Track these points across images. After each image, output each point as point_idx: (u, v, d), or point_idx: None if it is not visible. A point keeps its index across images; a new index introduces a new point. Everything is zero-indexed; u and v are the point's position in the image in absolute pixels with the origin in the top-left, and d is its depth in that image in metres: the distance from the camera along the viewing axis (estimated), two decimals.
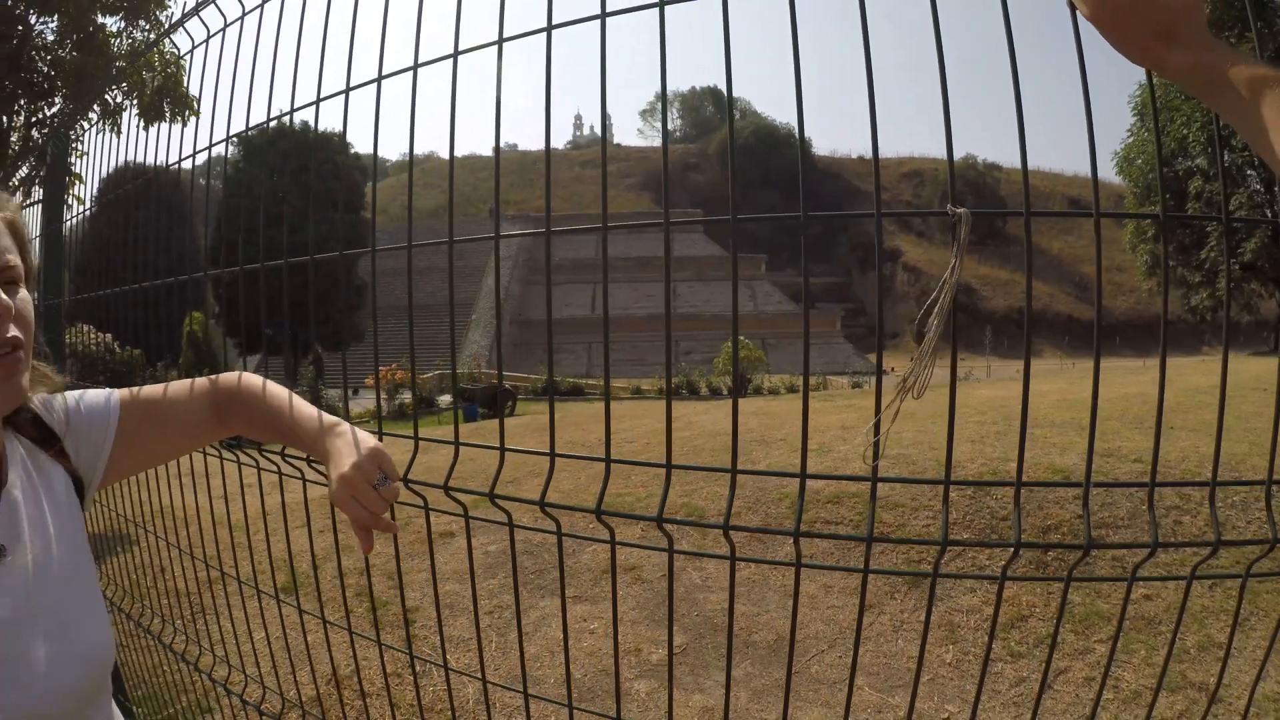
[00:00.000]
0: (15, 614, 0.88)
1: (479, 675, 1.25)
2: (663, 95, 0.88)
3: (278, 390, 1.14)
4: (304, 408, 1.09)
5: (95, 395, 1.11)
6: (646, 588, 4.50)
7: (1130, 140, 28.26)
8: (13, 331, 0.90)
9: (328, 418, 1.06)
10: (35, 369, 1.01)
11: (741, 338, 28.32)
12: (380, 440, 1.06)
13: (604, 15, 0.95)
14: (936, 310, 0.80)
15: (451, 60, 1.09)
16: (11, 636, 0.87)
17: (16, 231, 0.98)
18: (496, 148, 1.06)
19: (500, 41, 1.04)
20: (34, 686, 0.87)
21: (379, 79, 1.23)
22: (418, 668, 3.48)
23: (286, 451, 1.37)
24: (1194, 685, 3.26)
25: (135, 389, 1.15)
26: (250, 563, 2.02)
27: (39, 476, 1.00)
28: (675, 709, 3.28)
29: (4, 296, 0.89)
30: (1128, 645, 3.58)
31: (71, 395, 1.09)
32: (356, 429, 1.02)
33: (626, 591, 4.52)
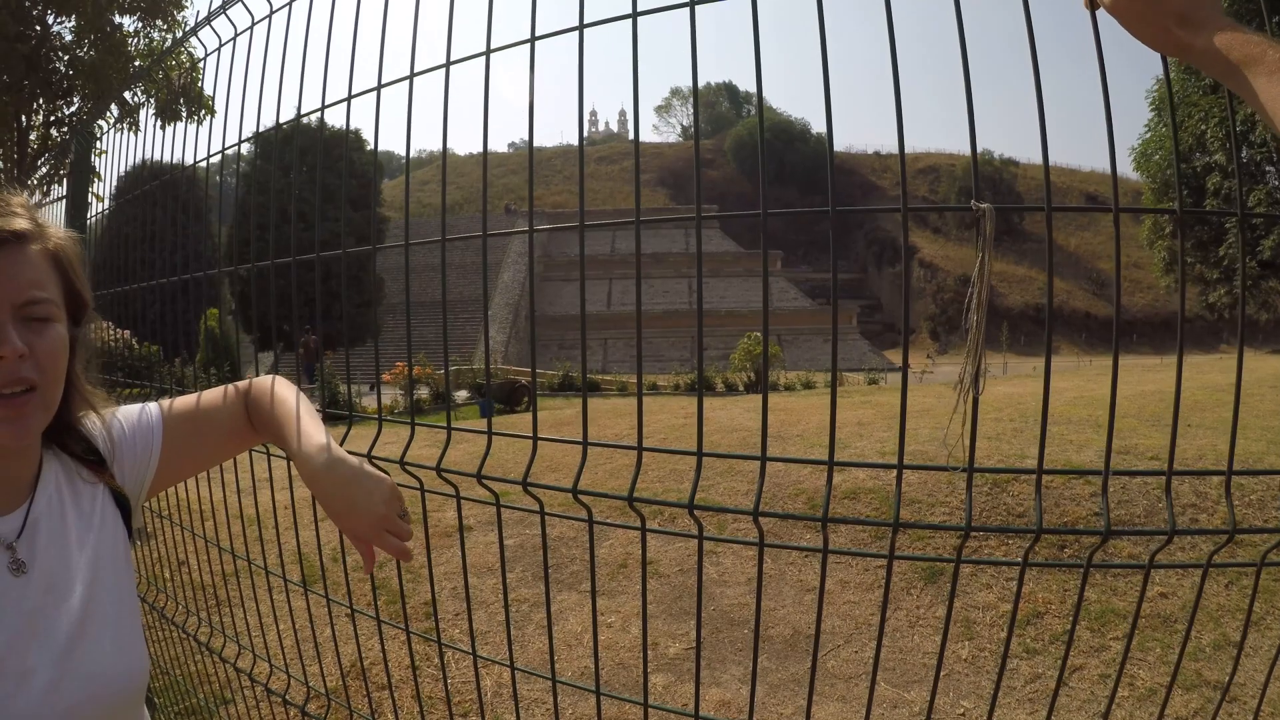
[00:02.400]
0: (19, 631, 0.88)
1: (505, 662, 1.27)
2: (694, 95, 0.90)
3: (307, 411, 1.13)
4: (314, 432, 1.08)
5: (136, 412, 1.11)
6: (664, 582, 4.53)
7: (1148, 135, 27.86)
8: (25, 373, 0.88)
9: (330, 446, 1.06)
10: (80, 395, 1.01)
11: (758, 333, 28.34)
12: (413, 431, 1.09)
13: (635, 15, 0.98)
14: (975, 305, 0.81)
15: (484, 58, 1.12)
16: (12, 653, 0.87)
17: (60, 262, 0.95)
18: (530, 145, 1.08)
19: (533, 40, 1.06)
20: (26, 705, 0.86)
21: (410, 76, 1.26)
22: (440, 657, 3.52)
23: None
24: (1210, 684, 3.26)
25: (169, 401, 1.15)
26: (278, 554, 2.06)
27: (72, 497, 1.00)
28: (693, 703, 3.30)
29: (14, 340, 0.86)
30: (1143, 643, 3.58)
31: (120, 418, 1.09)
32: (363, 464, 1.05)
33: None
